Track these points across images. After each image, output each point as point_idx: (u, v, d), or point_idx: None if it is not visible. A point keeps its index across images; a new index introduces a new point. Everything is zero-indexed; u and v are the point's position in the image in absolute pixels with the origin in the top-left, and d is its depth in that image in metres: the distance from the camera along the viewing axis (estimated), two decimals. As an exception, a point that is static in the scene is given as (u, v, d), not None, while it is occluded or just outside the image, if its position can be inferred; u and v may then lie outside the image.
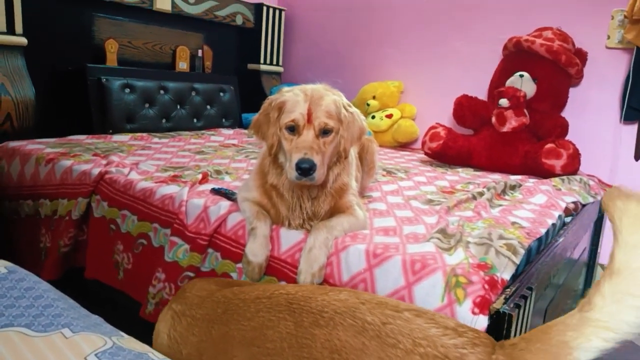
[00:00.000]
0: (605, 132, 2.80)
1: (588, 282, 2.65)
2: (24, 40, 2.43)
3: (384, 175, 2.23)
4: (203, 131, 3.11)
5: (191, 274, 1.50)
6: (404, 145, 3.42)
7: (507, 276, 1.21)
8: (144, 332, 1.12)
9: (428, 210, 1.68)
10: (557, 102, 2.74)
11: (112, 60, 2.87)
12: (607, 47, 2.76)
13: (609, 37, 2.74)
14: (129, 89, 2.82)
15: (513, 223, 1.54)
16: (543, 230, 1.51)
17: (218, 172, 1.98)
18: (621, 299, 0.72)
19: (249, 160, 2.30)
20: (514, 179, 2.25)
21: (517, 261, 1.27)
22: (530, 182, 2.20)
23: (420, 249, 1.28)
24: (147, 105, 2.93)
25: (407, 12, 3.47)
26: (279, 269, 1.37)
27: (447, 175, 2.39)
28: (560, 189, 2.07)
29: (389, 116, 3.33)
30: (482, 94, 2.92)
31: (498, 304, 1.12)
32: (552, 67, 2.66)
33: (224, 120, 3.41)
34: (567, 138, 2.60)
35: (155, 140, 2.67)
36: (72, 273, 1.87)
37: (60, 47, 2.72)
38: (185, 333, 1.00)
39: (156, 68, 3.17)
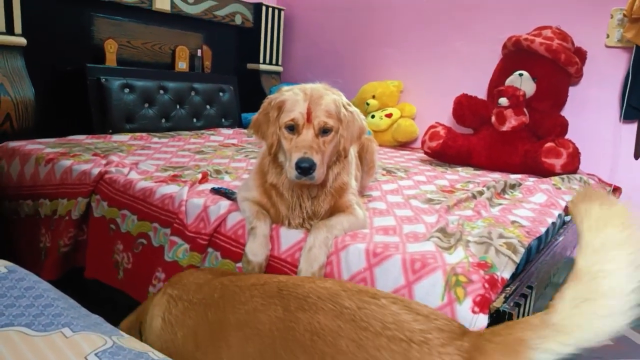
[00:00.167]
0: (605, 130, 2.80)
1: (588, 281, 2.65)
2: (23, 41, 2.43)
3: (383, 175, 2.23)
4: (203, 131, 3.11)
5: (191, 274, 1.50)
6: (404, 145, 3.42)
7: (507, 275, 1.21)
8: (144, 331, 1.12)
9: (428, 209, 1.68)
10: (556, 101, 2.74)
11: (111, 60, 2.87)
12: (607, 46, 2.76)
13: (608, 36, 2.74)
14: (128, 89, 2.82)
15: (513, 222, 1.54)
16: (543, 229, 1.52)
17: (218, 172, 1.98)
18: (579, 304, 0.72)
19: (249, 160, 2.30)
20: (513, 178, 2.25)
21: (517, 260, 1.27)
22: (530, 181, 2.20)
23: (420, 248, 1.28)
24: (146, 105, 2.93)
25: (407, 12, 3.47)
26: (279, 268, 1.37)
27: (447, 174, 2.39)
28: (560, 188, 2.08)
29: (389, 115, 3.33)
30: (481, 93, 2.92)
31: (498, 303, 1.12)
32: (551, 66, 2.66)
33: (223, 120, 3.41)
34: (566, 137, 2.60)
35: (155, 140, 2.67)
36: (72, 273, 1.87)
37: (59, 47, 2.72)
38: (181, 316, 1.05)
39: (155, 68, 3.17)
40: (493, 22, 3.10)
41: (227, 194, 1.63)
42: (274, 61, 3.88)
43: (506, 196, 1.97)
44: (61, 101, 2.74)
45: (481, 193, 1.89)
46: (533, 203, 1.83)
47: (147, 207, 1.69)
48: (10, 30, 2.37)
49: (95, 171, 1.87)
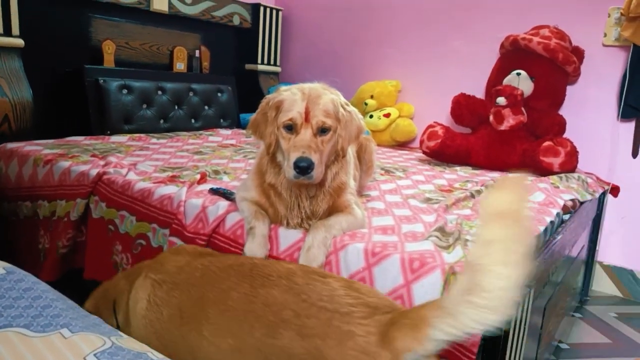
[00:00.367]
0: (603, 129, 2.81)
1: (586, 279, 2.66)
2: (21, 42, 2.43)
3: (382, 174, 2.23)
4: (201, 131, 3.11)
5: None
6: (402, 144, 3.42)
7: (505, 274, 1.21)
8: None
9: (426, 208, 1.68)
10: (554, 100, 2.74)
11: (109, 62, 2.87)
12: (604, 45, 2.76)
13: (605, 35, 2.75)
14: (126, 90, 2.82)
15: (511, 221, 1.54)
16: (541, 228, 1.52)
17: (216, 172, 1.98)
18: (463, 293, 0.77)
19: (247, 160, 2.30)
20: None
21: (516, 259, 1.27)
22: (529, 180, 2.20)
23: (419, 247, 1.28)
24: (144, 106, 2.92)
25: (405, 12, 3.48)
26: (277, 268, 1.37)
27: (445, 173, 2.39)
28: (558, 187, 2.08)
29: (387, 115, 3.34)
30: (479, 93, 2.93)
31: (497, 302, 1.12)
32: (549, 65, 2.66)
33: (221, 120, 3.41)
34: (564, 136, 2.60)
35: (154, 140, 2.66)
36: (71, 274, 1.87)
37: (57, 49, 2.71)
38: (166, 296, 1.14)
39: (154, 69, 3.16)
40: (491, 22, 3.11)
41: (226, 195, 1.63)
42: (272, 61, 3.88)
43: (504, 195, 1.97)
44: (59, 102, 2.74)
45: (479, 192, 1.89)
46: (531, 202, 1.83)
47: (146, 207, 1.69)
48: (7, 32, 2.37)
49: (94, 172, 1.87)
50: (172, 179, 1.83)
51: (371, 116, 3.34)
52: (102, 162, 1.99)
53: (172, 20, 3.25)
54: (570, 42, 2.75)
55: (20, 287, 0.91)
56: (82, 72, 2.68)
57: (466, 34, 3.23)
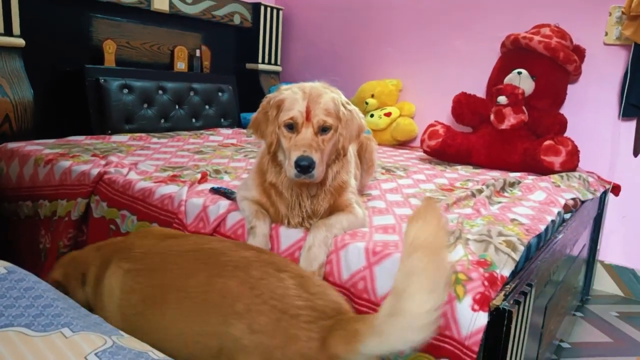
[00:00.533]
0: (604, 128, 2.80)
1: (587, 278, 2.66)
2: (21, 42, 2.43)
3: (383, 174, 2.23)
4: (202, 131, 3.11)
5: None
6: (403, 144, 3.42)
7: (506, 273, 1.21)
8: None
9: (427, 207, 1.67)
10: (555, 99, 2.74)
11: (110, 61, 2.87)
12: (605, 44, 2.76)
13: (606, 34, 2.74)
14: (127, 90, 2.82)
15: (512, 220, 1.54)
16: (542, 227, 1.52)
17: (217, 172, 1.98)
18: (389, 316, 0.85)
19: (248, 160, 2.30)
20: (513, 176, 2.25)
21: (517, 258, 1.27)
22: (530, 179, 2.20)
23: (420, 246, 1.28)
24: (145, 105, 2.92)
25: (405, 11, 3.47)
26: (278, 267, 1.37)
27: (446, 173, 2.39)
28: (559, 186, 2.08)
29: (388, 114, 3.34)
30: (480, 92, 2.92)
31: (498, 301, 1.12)
32: (550, 64, 2.66)
33: (222, 120, 3.41)
34: (565, 135, 2.60)
35: (154, 140, 2.67)
36: (72, 274, 1.87)
37: (58, 48, 2.71)
38: (133, 284, 1.18)
39: (154, 68, 3.16)
40: (492, 21, 3.10)
41: (227, 194, 1.63)
42: (272, 61, 3.88)
43: (505, 194, 1.97)
44: (60, 102, 2.74)
45: (480, 191, 1.89)
46: (532, 201, 1.83)
47: (147, 207, 1.69)
48: (8, 32, 2.37)
49: (95, 172, 1.87)
50: (173, 179, 1.83)
51: (372, 115, 3.34)
52: (103, 162, 1.99)
53: (173, 19, 3.25)
54: (571, 41, 2.75)
55: (21, 287, 0.91)
56: (82, 72, 2.68)
57: (467, 33, 3.22)
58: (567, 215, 1.88)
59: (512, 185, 2.09)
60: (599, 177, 2.60)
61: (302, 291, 1.02)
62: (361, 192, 1.77)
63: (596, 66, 2.78)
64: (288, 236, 1.40)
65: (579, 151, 2.45)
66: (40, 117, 2.50)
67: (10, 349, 0.74)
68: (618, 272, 2.81)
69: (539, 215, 1.63)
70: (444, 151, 2.68)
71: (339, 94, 1.41)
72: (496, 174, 2.40)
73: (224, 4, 3.50)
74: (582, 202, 2.08)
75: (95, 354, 0.75)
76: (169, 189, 1.70)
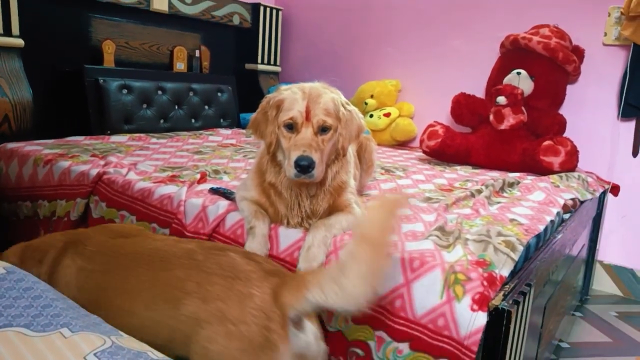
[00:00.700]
0: (603, 129, 2.81)
1: (587, 278, 2.66)
2: (21, 42, 2.42)
3: (382, 174, 2.23)
4: (201, 131, 3.11)
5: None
6: (402, 144, 3.42)
7: (505, 273, 1.21)
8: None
9: (426, 208, 1.68)
10: (554, 99, 2.74)
11: (109, 61, 2.87)
12: (604, 44, 2.76)
13: (605, 34, 2.75)
14: (126, 90, 2.82)
15: (511, 220, 1.54)
16: (541, 227, 1.52)
17: (216, 172, 1.98)
18: (332, 280, 0.97)
19: (247, 160, 2.30)
20: (512, 176, 2.26)
21: (516, 258, 1.27)
22: (529, 179, 2.20)
23: (419, 246, 1.28)
24: (144, 105, 2.92)
25: (405, 12, 3.48)
26: (278, 267, 1.37)
27: (446, 173, 2.39)
28: (558, 186, 2.08)
29: (387, 115, 3.34)
30: (479, 92, 2.92)
31: (497, 301, 1.12)
32: (549, 64, 2.66)
33: (222, 120, 3.41)
34: (565, 135, 2.60)
35: (154, 140, 2.66)
36: (71, 274, 1.86)
37: (57, 49, 2.71)
38: (84, 284, 1.24)
39: (154, 69, 3.16)
40: (491, 21, 3.11)
41: (226, 194, 1.63)
42: (272, 61, 3.88)
43: (505, 194, 1.97)
44: (59, 102, 2.74)
45: (480, 191, 1.89)
46: (531, 201, 1.83)
47: (146, 207, 1.69)
48: (7, 32, 2.37)
49: (94, 172, 1.87)
50: (172, 179, 1.82)
51: (371, 115, 3.34)
52: (102, 162, 1.99)
53: (172, 20, 3.25)
54: (571, 41, 2.75)
55: (20, 287, 0.91)
56: (82, 72, 2.68)
57: (466, 34, 3.23)
58: (567, 216, 1.88)
59: (511, 185, 2.09)
60: (598, 177, 2.61)
61: (249, 260, 1.12)
62: (360, 192, 1.77)
63: (595, 66, 2.78)
64: (287, 236, 1.41)
65: (578, 151, 2.45)
66: (40, 117, 2.50)
67: (9, 349, 0.74)
68: (617, 272, 2.82)
69: (538, 216, 1.63)
70: (443, 151, 2.68)
71: (338, 94, 1.41)
72: (495, 174, 2.40)
73: (223, 4, 3.50)
74: (581, 202, 2.08)
75: (95, 354, 0.75)
76: (168, 189, 1.70)
